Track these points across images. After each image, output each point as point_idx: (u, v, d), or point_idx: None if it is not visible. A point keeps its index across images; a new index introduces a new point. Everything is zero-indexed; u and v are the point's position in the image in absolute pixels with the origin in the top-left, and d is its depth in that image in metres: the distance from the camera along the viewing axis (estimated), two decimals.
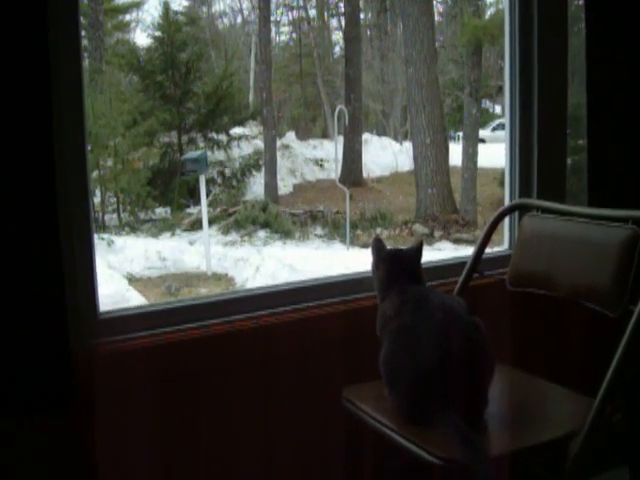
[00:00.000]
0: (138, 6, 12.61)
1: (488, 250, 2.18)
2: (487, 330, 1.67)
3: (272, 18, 12.37)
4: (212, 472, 1.95)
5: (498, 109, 14.19)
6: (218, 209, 9.14)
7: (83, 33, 9.93)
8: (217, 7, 14.15)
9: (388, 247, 1.88)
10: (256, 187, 10.13)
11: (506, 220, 2.38)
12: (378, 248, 1.87)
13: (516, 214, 2.31)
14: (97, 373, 1.76)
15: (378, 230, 8.78)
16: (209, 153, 9.53)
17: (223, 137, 10.12)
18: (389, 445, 1.66)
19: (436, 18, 11.66)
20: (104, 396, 1.77)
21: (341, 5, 13.22)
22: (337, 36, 13.95)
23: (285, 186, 10.65)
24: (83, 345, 1.77)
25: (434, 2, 11.55)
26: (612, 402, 1.62)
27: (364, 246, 8.07)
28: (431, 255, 2.26)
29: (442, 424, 1.57)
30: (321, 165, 11.42)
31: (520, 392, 1.87)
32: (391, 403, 1.70)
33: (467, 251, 2.14)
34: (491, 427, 1.67)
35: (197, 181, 8.21)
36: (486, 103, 13.84)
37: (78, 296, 1.78)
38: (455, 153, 9.94)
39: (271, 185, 10.06)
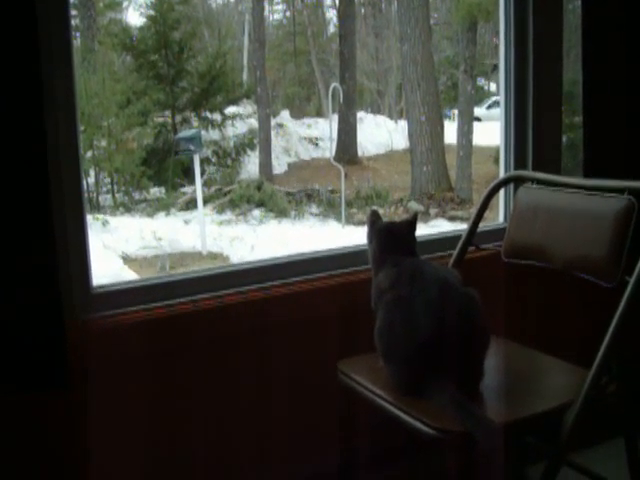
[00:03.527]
0: None
1: (484, 224, 2.18)
2: (482, 302, 1.67)
3: None
4: (206, 445, 1.95)
5: (493, 87, 14.12)
6: (213, 188, 9.11)
7: (74, 12, 9.83)
8: None
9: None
10: (251, 166, 10.10)
11: (501, 194, 2.37)
12: (373, 221, 1.86)
13: (511, 187, 2.30)
14: (90, 347, 1.76)
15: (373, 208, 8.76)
16: (203, 132, 9.49)
17: (217, 116, 10.06)
18: (385, 417, 1.66)
19: None
20: (97, 370, 1.77)
21: None
22: (331, 14, 13.88)
23: (280, 165, 10.63)
24: (76, 320, 1.78)
25: None
26: (607, 373, 1.63)
27: (359, 224, 8.06)
28: (427, 232, 2.27)
29: (438, 395, 1.57)
30: (316, 144, 11.38)
31: (515, 363, 1.87)
32: (386, 375, 1.70)
33: (463, 228, 2.13)
34: (486, 398, 1.67)
35: (191, 160, 8.17)
36: (481, 81, 13.78)
37: (71, 271, 1.78)
38: (450, 131, 9.92)
39: (266, 164, 10.03)
